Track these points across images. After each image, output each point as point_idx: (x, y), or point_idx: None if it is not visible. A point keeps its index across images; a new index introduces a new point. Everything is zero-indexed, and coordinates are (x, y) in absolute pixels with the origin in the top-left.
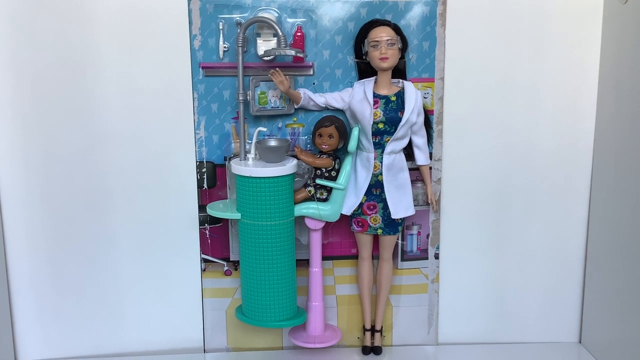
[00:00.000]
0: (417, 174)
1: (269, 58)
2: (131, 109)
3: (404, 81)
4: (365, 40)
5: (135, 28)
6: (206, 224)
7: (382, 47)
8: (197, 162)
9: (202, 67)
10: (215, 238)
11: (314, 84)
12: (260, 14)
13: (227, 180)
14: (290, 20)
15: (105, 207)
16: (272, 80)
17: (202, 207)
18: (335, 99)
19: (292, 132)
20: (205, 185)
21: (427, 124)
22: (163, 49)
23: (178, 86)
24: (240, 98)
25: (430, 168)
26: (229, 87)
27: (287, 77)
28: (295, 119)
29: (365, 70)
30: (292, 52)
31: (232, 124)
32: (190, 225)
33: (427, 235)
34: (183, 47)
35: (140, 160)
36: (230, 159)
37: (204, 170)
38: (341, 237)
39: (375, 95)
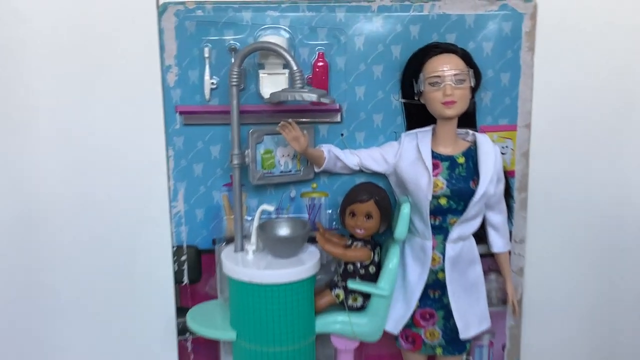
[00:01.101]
0: (489, 262)
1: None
2: (77, 172)
3: (476, 133)
4: (420, 74)
5: (81, 58)
6: (188, 333)
7: (447, 86)
8: (173, 247)
9: (180, 113)
10: (199, 351)
11: (342, 135)
12: (264, 37)
13: (217, 272)
14: (308, 43)
15: (47, 312)
16: (282, 135)
17: (181, 310)
18: (374, 159)
19: (311, 204)
20: (185, 280)
21: (507, 192)
22: (122, 86)
23: (145, 140)
24: (235, 162)
25: (510, 253)
26: (218, 141)
27: (304, 131)
28: (315, 185)
29: (418, 115)
30: (313, 97)
31: (223, 193)
32: (166, 336)
33: (503, 347)
34: (151, 83)
35: (93, 245)
36: (221, 244)
37: (183, 258)
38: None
39: (434, 156)
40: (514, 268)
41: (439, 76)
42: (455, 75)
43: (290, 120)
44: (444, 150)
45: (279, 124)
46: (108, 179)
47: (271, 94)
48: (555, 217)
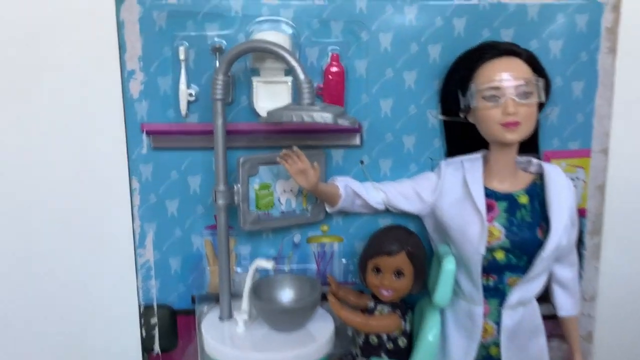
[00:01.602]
0: (550, 326)
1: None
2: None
3: (543, 163)
4: (471, 84)
5: (15, 60)
6: None
7: (508, 102)
8: (141, 306)
9: (148, 133)
10: None
11: (362, 163)
12: (259, 34)
13: (198, 340)
14: (318, 41)
15: None
16: (283, 165)
17: None
18: (404, 196)
19: (321, 253)
20: (156, 348)
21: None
22: (68, 98)
23: (101, 168)
24: (220, 201)
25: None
26: (198, 170)
27: (314, 162)
28: (325, 228)
29: (463, 137)
30: (327, 118)
31: (206, 237)
32: None
33: None
34: (108, 94)
35: (40, 310)
36: (202, 308)
37: (153, 321)
38: None
39: (488, 193)
40: (582, 332)
41: (497, 88)
42: (519, 86)
43: (294, 148)
44: (500, 185)
45: (280, 154)
46: (55, 220)
47: (269, 113)
48: (635, 268)
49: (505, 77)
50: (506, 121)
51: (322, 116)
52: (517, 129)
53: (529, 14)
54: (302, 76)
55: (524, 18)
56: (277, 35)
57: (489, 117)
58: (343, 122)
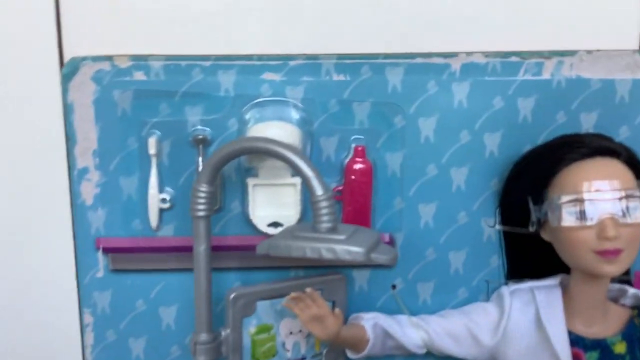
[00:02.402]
0: None
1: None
2: None
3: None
4: (547, 191)
5: None
6: None
7: (606, 222)
8: None
9: (105, 251)
10: None
11: (393, 288)
12: (256, 127)
13: None
14: (337, 128)
15: None
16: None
17: None
18: (452, 335)
19: None
20: None
21: None
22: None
23: (41, 296)
24: (201, 357)
25: None
26: (174, 299)
27: (335, 308)
28: None
29: (531, 254)
30: (358, 254)
31: None
32: None
33: None
34: (51, 198)
35: None
36: None
37: None
38: None
39: (572, 340)
40: None
41: (589, 201)
42: (620, 200)
43: (307, 289)
44: (588, 329)
45: (287, 297)
46: None
47: (270, 244)
48: None
49: (600, 186)
50: (603, 249)
51: (349, 251)
52: (618, 258)
53: (617, 92)
54: (319, 191)
55: (612, 97)
56: (282, 128)
57: (577, 241)
58: (379, 259)
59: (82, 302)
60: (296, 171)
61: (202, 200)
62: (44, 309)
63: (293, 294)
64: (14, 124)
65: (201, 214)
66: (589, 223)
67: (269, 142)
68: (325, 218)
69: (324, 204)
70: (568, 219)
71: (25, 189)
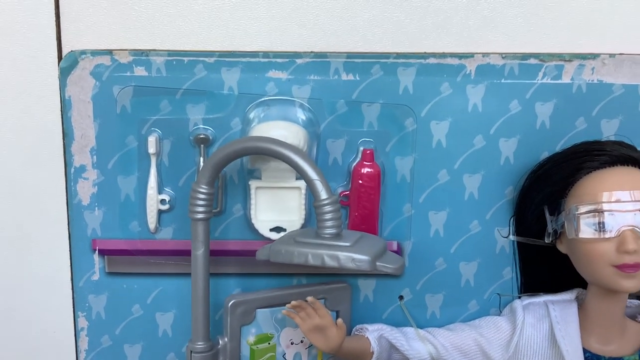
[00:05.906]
0: None
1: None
2: None
3: None
4: (565, 200)
5: None
6: None
7: (627, 235)
8: None
9: (102, 253)
10: None
11: (401, 299)
12: (259, 127)
13: None
14: (344, 130)
15: None
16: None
17: None
18: (461, 350)
19: None
20: None
21: None
22: None
23: (34, 297)
24: None
25: None
26: (170, 304)
27: (338, 318)
28: None
29: (546, 266)
30: (362, 263)
31: None
32: None
33: None
34: (47, 198)
35: None
36: None
37: None
38: None
39: (589, 358)
40: None
41: (609, 212)
42: None
43: (309, 298)
44: (603, 347)
45: (288, 306)
46: None
47: (270, 250)
48: None
49: (620, 197)
50: (622, 262)
51: (354, 259)
52: (638, 273)
53: None
54: (323, 194)
55: (635, 104)
56: (287, 128)
57: (595, 254)
58: (385, 268)
59: (77, 305)
60: (299, 173)
61: (201, 202)
62: (38, 311)
63: (294, 302)
64: (9, 118)
65: (200, 216)
66: (607, 235)
67: (272, 142)
68: (329, 223)
69: (328, 208)
70: (586, 230)
71: (20, 187)
